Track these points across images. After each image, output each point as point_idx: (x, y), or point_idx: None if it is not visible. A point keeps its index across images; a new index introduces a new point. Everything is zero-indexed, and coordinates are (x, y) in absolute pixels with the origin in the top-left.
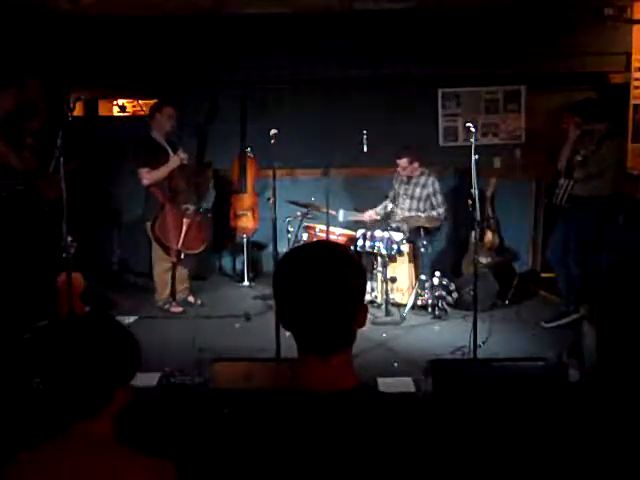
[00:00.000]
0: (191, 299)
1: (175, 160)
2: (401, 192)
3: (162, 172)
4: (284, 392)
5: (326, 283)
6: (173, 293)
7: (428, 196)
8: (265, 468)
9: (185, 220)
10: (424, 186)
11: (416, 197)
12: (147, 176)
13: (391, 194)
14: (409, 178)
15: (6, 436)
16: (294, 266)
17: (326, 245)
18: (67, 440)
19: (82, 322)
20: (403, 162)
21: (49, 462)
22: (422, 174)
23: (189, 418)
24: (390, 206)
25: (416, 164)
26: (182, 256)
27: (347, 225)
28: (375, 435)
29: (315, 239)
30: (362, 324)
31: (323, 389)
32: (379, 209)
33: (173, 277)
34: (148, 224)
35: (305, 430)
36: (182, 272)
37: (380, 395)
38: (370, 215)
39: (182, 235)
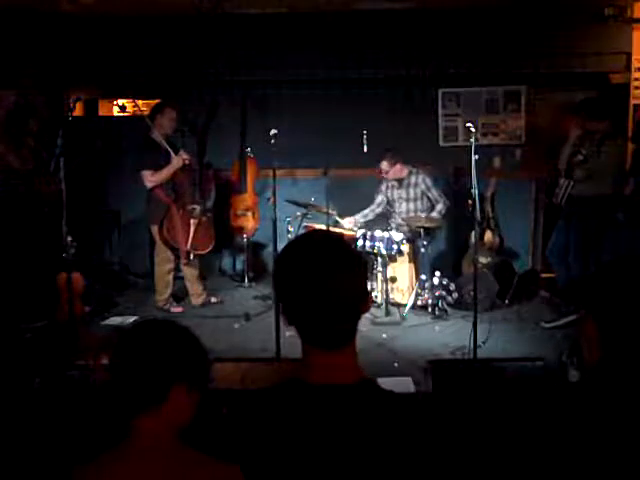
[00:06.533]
0: (213, 299)
1: (178, 161)
2: (395, 197)
3: (165, 173)
4: (289, 384)
5: (330, 275)
6: (180, 296)
7: (423, 193)
8: (268, 458)
9: (193, 221)
10: (416, 185)
11: (412, 198)
12: (151, 178)
13: (379, 199)
14: (399, 181)
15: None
16: (295, 259)
17: (324, 235)
18: (130, 443)
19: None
20: (384, 165)
21: (114, 465)
22: (410, 173)
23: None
24: (371, 215)
25: (399, 166)
26: (192, 257)
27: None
28: (375, 430)
29: None
30: (367, 309)
31: (327, 382)
32: (359, 217)
33: (175, 279)
34: (154, 227)
35: (309, 422)
36: (194, 273)
37: (382, 391)
38: (350, 221)
39: (190, 236)
